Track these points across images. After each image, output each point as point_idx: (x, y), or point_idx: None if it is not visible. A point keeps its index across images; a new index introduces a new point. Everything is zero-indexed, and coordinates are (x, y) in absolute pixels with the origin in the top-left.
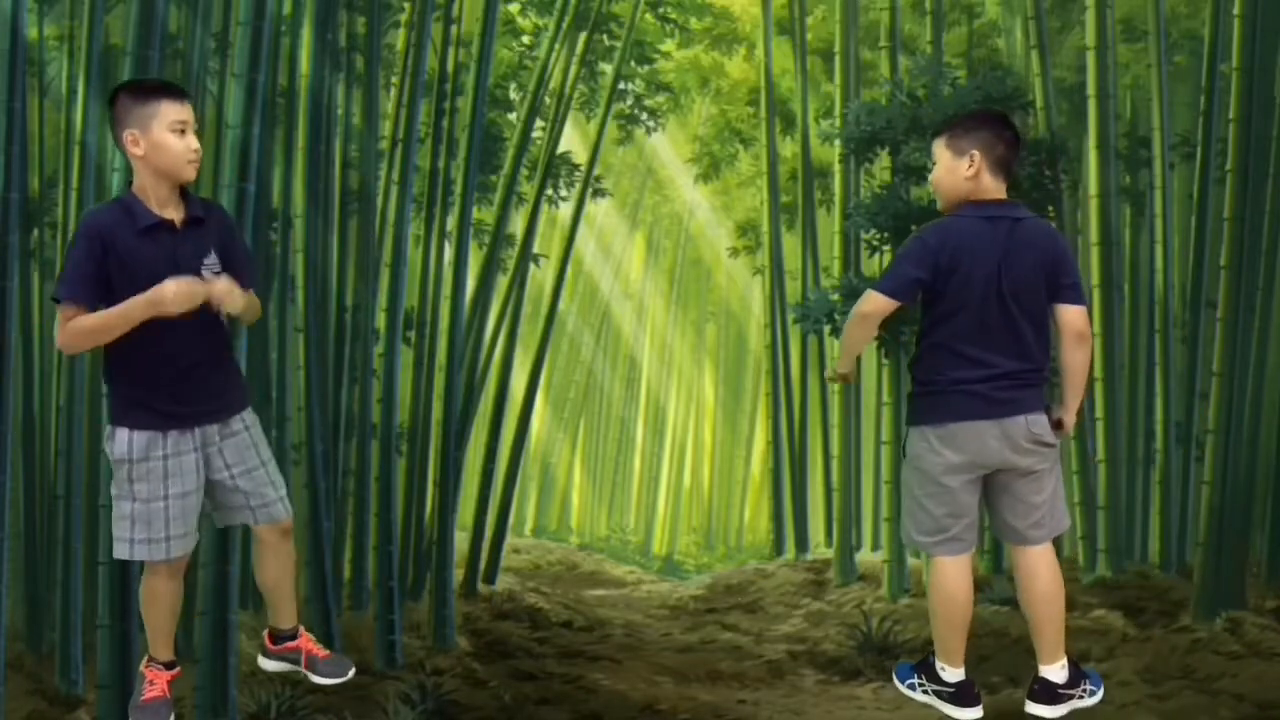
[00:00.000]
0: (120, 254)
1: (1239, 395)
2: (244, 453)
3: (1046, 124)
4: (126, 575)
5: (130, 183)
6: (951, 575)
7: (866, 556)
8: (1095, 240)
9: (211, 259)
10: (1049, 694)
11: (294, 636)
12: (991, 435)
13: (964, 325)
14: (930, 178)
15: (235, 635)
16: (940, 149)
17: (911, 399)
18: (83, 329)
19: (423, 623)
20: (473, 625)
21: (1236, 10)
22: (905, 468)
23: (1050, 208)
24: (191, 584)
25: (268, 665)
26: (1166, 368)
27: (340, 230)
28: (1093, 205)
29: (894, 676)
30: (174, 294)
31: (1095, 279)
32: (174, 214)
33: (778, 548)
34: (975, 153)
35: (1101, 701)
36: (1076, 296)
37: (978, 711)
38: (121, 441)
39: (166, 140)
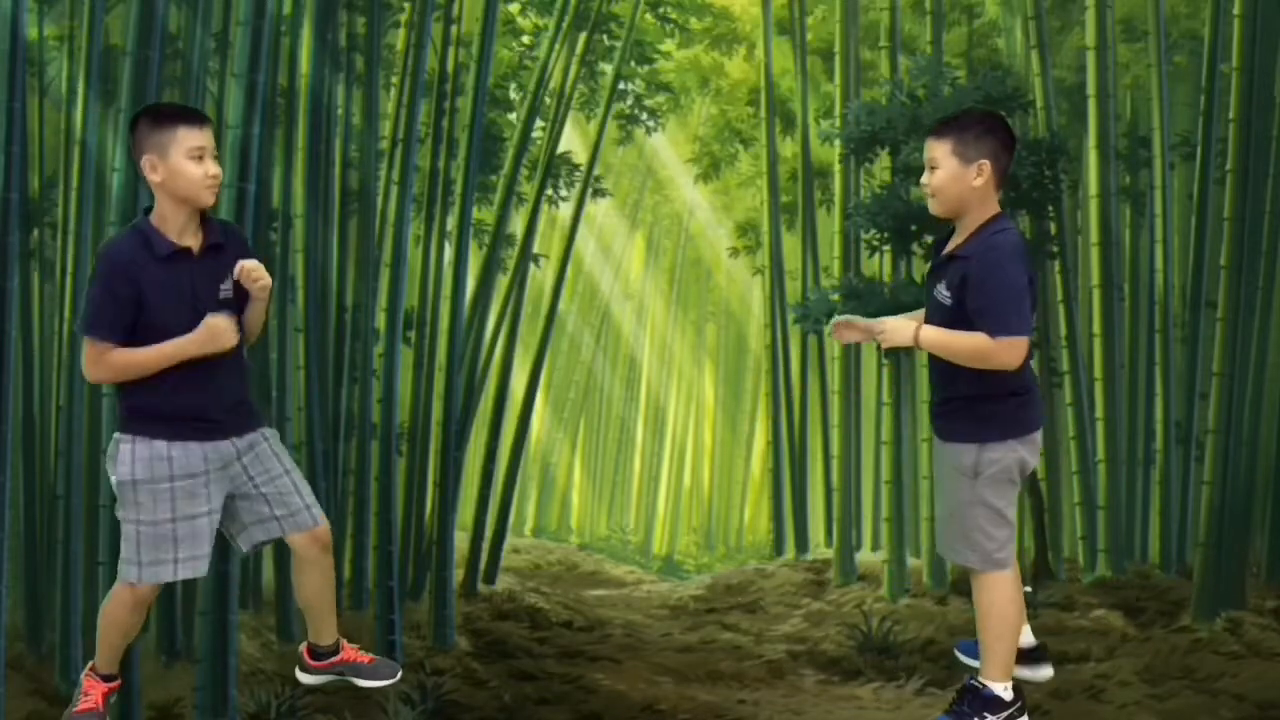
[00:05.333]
0: (140, 285)
1: (1239, 395)
2: (266, 462)
3: (1046, 124)
4: None
5: (148, 209)
6: (1016, 583)
7: (866, 556)
8: (1095, 240)
9: (228, 284)
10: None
11: (336, 652)
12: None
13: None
14: (928, 181)
15: (235, 635)
16: (945, 154)
17: (979, 411)
18: (117, 365)
19: (423, 623)
20: (473, 625)
21: (1236, 10)
22: (979, 484)
23: (1050, 208)
24: (191, 584)
25: (306, 679)
26: (1166, 368)
27: (340, 230)
28: (1093, 205)
29: None
30: (226, 330)
31: (1095, 279)
32: (191, 240)
33: (778, 548)
34: (985, 162)
35: (1102, 702)
36: None
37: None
38: (125, 459)
39: (184, 166)
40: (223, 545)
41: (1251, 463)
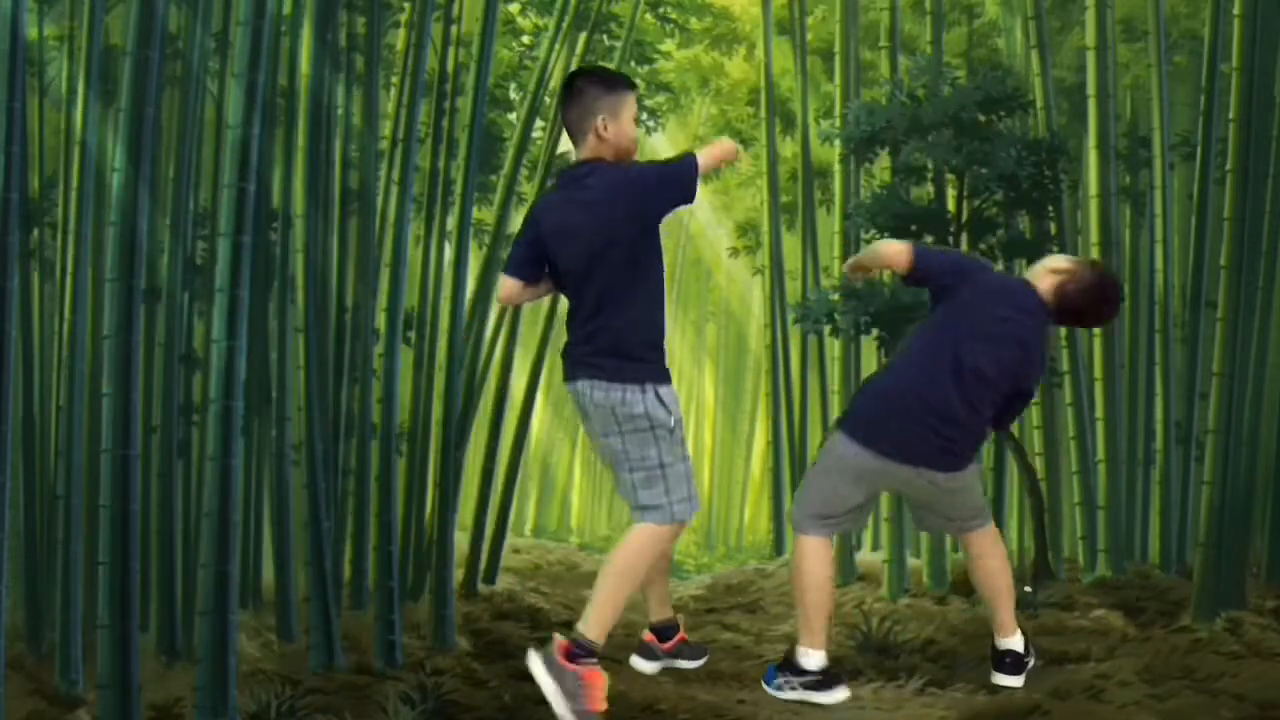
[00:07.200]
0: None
1: (1239, 395)
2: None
3: (1046, 124)
4: (126, 575)
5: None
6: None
7: (866, 556)
8: (1095, 240)
9: None
10: (1017, 664)
11: (675, 628)
12: None
13: None
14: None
15: (235, 635)
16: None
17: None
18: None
19: (423, 623)
20: (473, 625)
21: (1236, 10)
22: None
23: (1050, 208)
24: (191, 584)
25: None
26: (1166, 368)
27: (340, 230)
28: (1093, 205)
29: (765, 684)
30: None
31: None
32: None
33: (778, 548)
34: None
35: (1102, 702)
36: None
37: (845, 691)
38: (672, 399)
39: (630, 128)
40: (223, 545)
41: (1251, 463)
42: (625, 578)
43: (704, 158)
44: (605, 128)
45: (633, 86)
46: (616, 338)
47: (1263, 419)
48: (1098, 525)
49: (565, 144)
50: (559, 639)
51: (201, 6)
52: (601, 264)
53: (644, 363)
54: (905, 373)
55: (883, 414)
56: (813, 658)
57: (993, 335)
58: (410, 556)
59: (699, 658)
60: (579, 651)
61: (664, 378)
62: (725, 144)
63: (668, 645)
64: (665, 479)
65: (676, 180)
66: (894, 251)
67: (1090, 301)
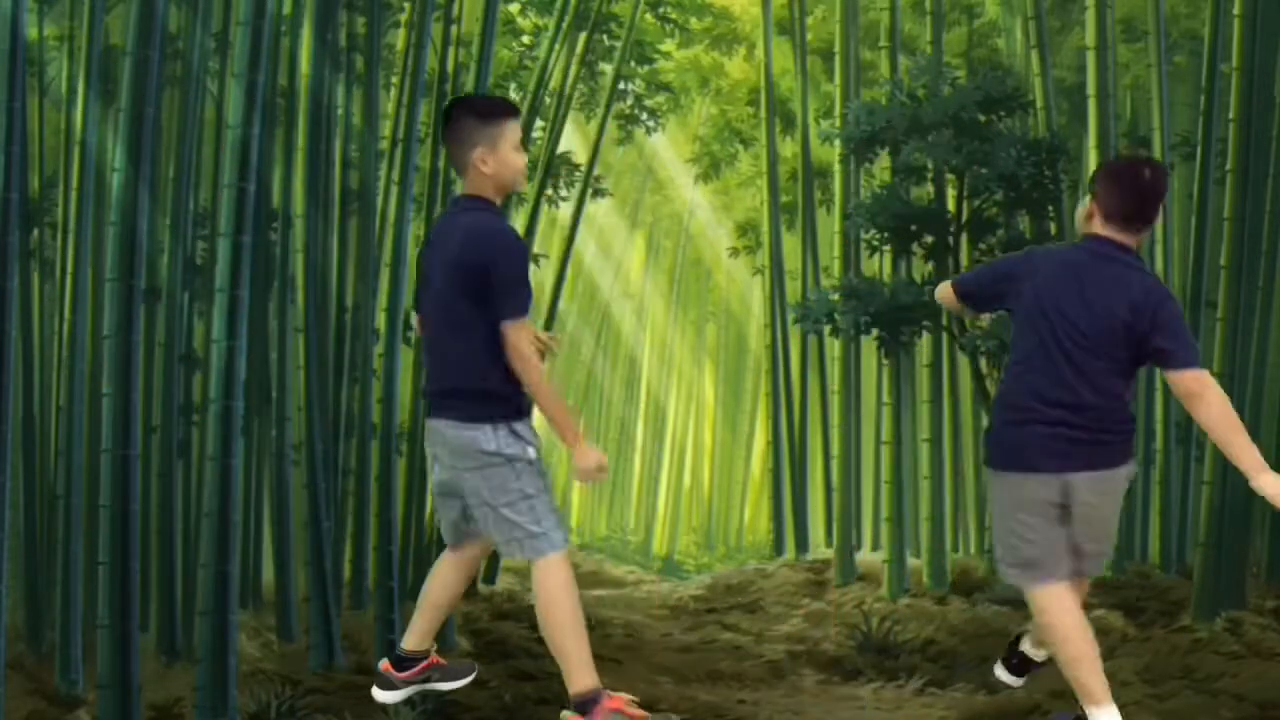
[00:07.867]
0: None
1: (1239, 395)
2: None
3: (1046, 124)
4: (126, 575)
5: (470, 198)
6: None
7: (866, 556)
8: None
9: None
10: (1023, 666)
11: (423, 657)
12: None
13: None
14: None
15: (235, 635)
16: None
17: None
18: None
19: None
20: (473, 625)
21: (1236, 10)
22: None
23: (1050, 208)
24: (191, 584)
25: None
26: None
27: (340, 230)
28: None
29: None
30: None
31: None
32: None
33: (778, 548)
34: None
35: None
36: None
37: None
38: (529, 434)
39: (512, 158)
40: (223, 545)
41: None
42: (565, 620)
43: (532, 370)
44: (485, 161)
45: (514, 113)
46: (469, 377)
47: (1263, 419)
48: None
49: (565, 144)
50: (568, 716)
51: (201, 6)
52: (454, 301)
53: (496, 401)
54: (1012, 379)
55: (1010, 425)
56: (1103, 713)
57: (1069, 296)
58: (410, 556)
59: (462, 677)
60: (588, 705)
61: (517, 414)
62: (564, 421)
63: (407, 674)
64: (534, 509)
65: (512, 293)
66: (943, 292)
67: (1107, 184)
